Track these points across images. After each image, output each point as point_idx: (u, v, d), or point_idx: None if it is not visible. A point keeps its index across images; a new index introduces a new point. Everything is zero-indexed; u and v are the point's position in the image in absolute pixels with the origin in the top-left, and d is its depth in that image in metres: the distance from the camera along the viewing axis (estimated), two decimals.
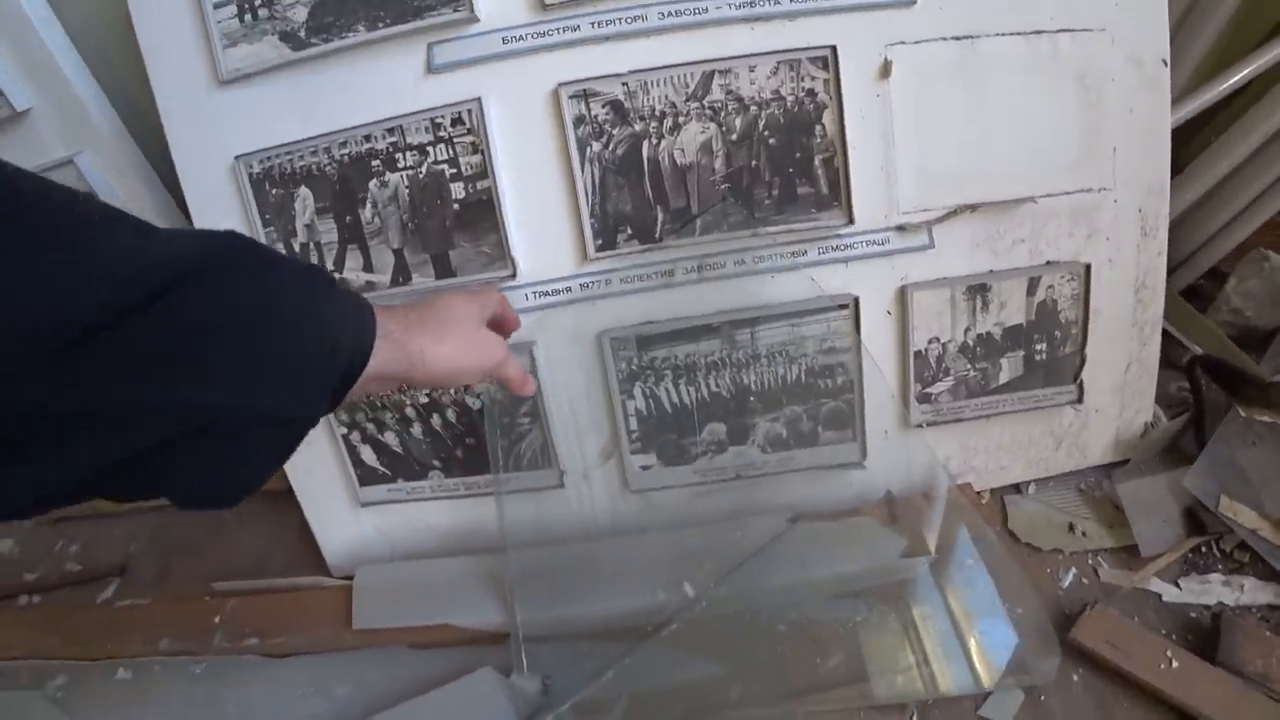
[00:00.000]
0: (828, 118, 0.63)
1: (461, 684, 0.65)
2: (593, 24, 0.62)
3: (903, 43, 0.64)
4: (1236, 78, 0.80)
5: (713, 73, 0.62)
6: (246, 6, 0.64)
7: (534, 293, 0.66)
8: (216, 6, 0.64)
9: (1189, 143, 0.92)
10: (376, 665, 0.72)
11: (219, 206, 0.68)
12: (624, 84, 0.62)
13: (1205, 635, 0.70)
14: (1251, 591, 0.73)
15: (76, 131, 0.77)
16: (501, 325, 0.56)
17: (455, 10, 0.61)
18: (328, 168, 0.65)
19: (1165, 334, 0.83)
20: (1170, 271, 0.91)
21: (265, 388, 0.34)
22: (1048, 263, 0.71)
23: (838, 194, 0.65)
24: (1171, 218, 0.84)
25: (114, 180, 0.80)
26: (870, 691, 0.64)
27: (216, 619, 0.77)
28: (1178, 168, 0.87)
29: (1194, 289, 0.91)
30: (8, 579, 0.92)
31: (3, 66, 0.74)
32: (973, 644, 0.65)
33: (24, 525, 0.97)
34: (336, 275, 0.67)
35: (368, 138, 0.64)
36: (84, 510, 0.94)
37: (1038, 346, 0.72)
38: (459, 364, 0.47)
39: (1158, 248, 0.73)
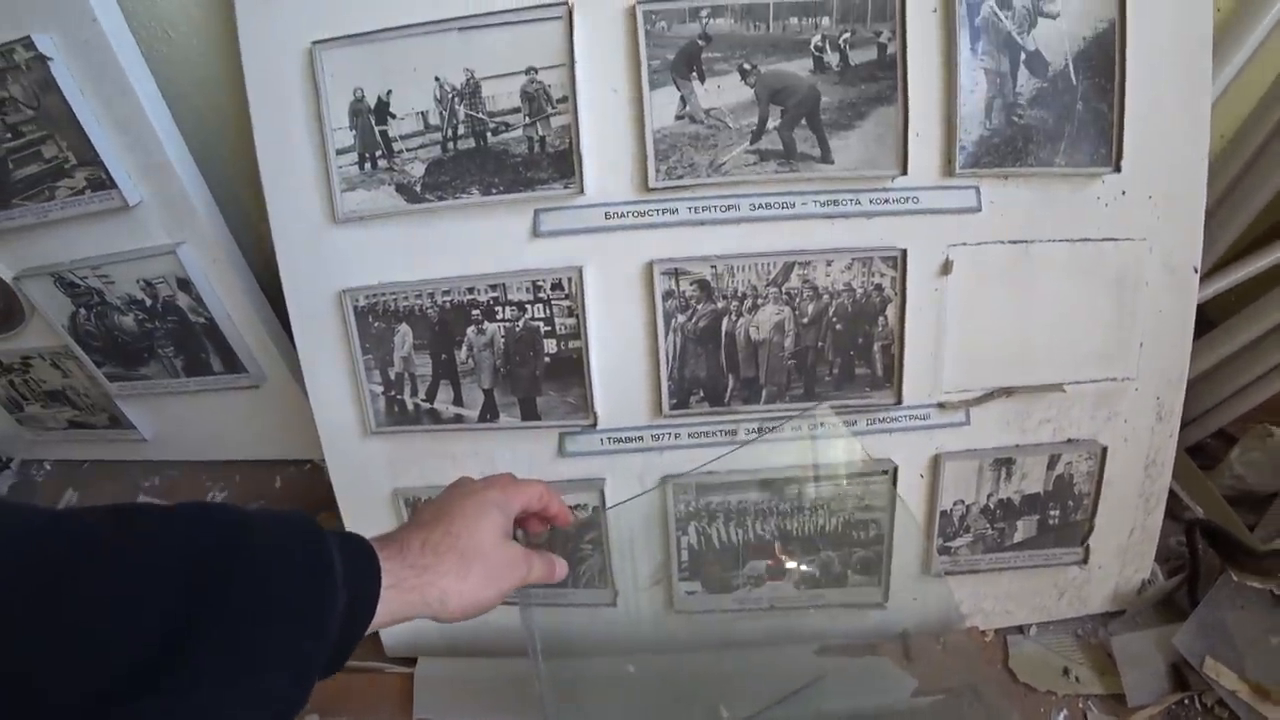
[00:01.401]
0: (891, 310, 0.71)
1: None
2: (690, 209, 0.68)
3: (965, 244, 0.71)
4: (1261, 263, 0.88)
5: (794, 263, 0.69)
6: (367, 157, 0.70)
7: (609, 438, 0.74)
8: (339, 153, 0.70)
9: (1217, 299, 1.00)
10: None
11: (323, 329, 0.74)
12: (713, 266, 0.69)
13: None
14: None
15: (181, 226, 0.83)
16: (545, 518, 0.56)
17: (565, 186, 0.68)
18: (429, 310, 0.72)
19: (1170, 492, 0.91)
20: (1182, 427, 0.99)
21: (240, 692, 0.33)
22: (1069, 440, 0.79)
23: (890, 377, 0.72)
24: (1189, 376, 0.92)
25: (211, 275, 0.86)
26: None
27: None
28: (1204, 327, 0.95)
29: (1200, 446, 0.99)
30: None
31: (119, 163, 0.80)
32: None
33: None
34: (426, 403, 0.74)
35: (470, 289, 0.71)
36: None
37: (1052, 513, 0.80)
38: (483, 600, 0.46)
39: (1169, 430, 0.81)
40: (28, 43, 0.74)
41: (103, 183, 0.80)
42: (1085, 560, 0.83)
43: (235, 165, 0.83)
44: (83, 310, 0.92)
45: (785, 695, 0.72)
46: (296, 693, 0.36)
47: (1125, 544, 0.85)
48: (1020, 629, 0.88)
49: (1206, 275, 0.91)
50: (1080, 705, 0.85)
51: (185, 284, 0.87)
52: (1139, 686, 0.84)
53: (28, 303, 0.93)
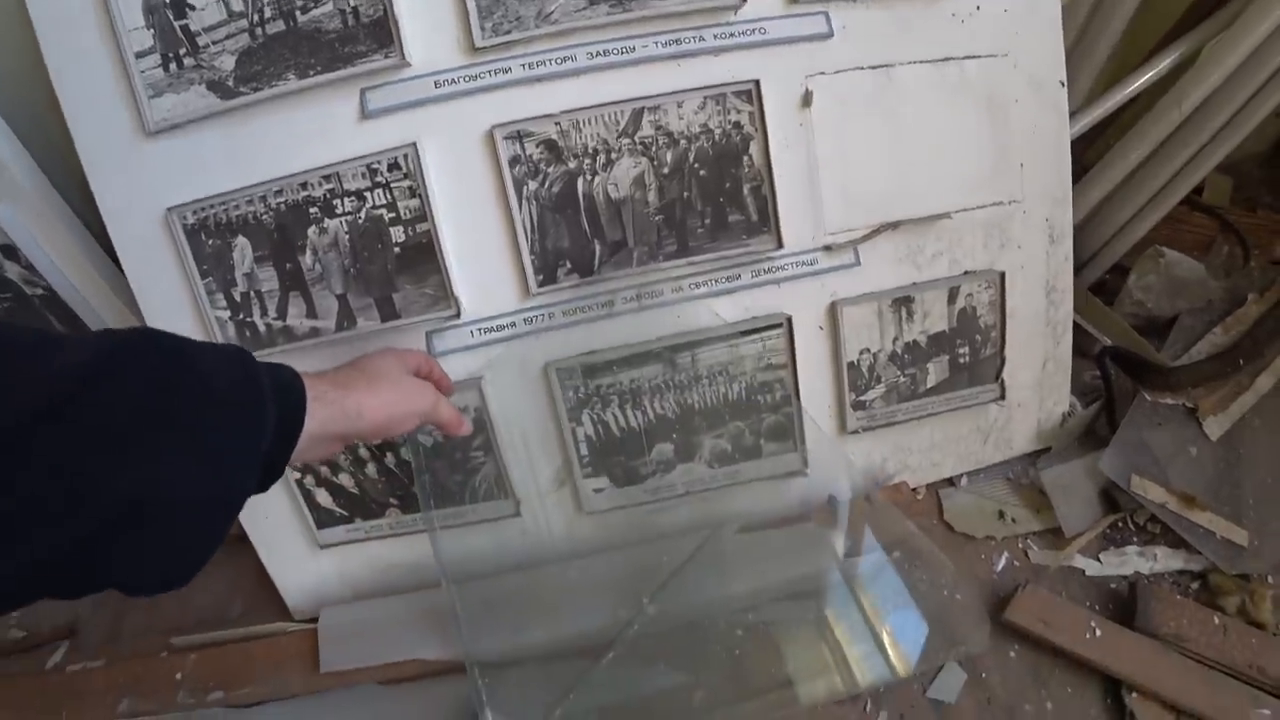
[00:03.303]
0: (754, 148, 0.68)
1: None
2: (523, 66, 0.64)
3: (822, 73, 0.69)
4: (1127, 91, 0.88)
5: (642, 109, 0.66)
6: (171, 56, 0.64)
7: (479, 329, 0.69)
8: (139, 56, 0.64)
9: (1091, 148, 1.00)
10: (348, 705, 0.74)
11: (153, 258, 0.68)
12: (557, 123, 0.65)
13: (1124, 604, 0.78)
14: (1164, 559, 0.82)
15: None
16: (430, 382, 0.60)
17: (386, 56, 0.63)
18: (265, 216, 0.66)
19: (1077, 328, 0.91)
20: (1079, 270, 0.99)
21: (183, 472, 0.35)
22: (966, 272, 0.77)
23: (767, 220, 0.69)
24: (1076, 220, 0.92)
25: (38, 232, 0.79)
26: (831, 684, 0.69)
27: (178, 675, 0.77)
28: (1081, 173, 0.95)
29: (1101, 284, 0.99)
30: None
31: None
32: (885, 636, 0.70)
33: None
34: (278, 321, 0.68)
35: (304, 185, 0.65)
36: None
37: (961, 350, 0.78)
38: (395, 411, 0.52)
39: (1064, 253, 0.81)
40: None
41: None
42: (1003, 396, 0.81)
43: (39, 98, 0.76)
44: None
45: (699, 566, 0.68)
46: (235, 481, 0.38)
47: (1040, 377, 0.84)
48: (951, 481, 0.87)
49: (1076, 111, 0.91)
50: (1020, 545, 0.83)
51: (10, 250, 0.79)
52: (1073, 516, 0.83)
53: None
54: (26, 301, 0.83)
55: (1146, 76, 0.89)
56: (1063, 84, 0.76)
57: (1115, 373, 0.88)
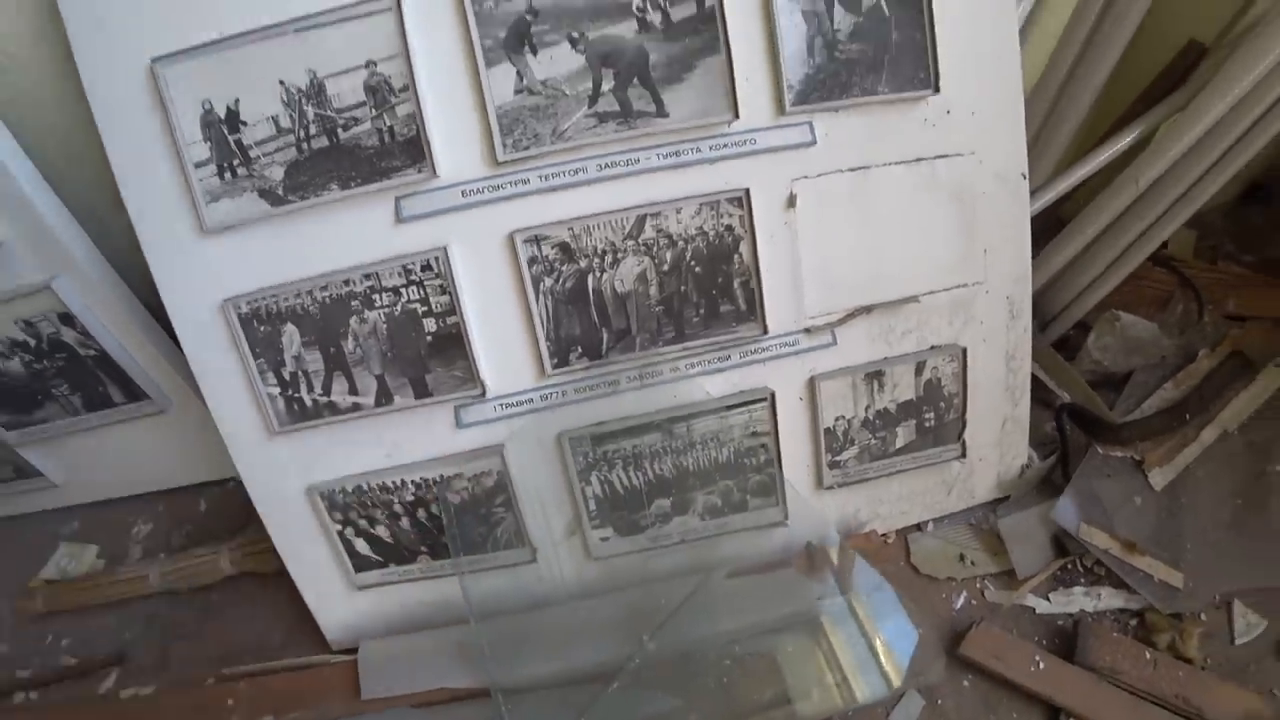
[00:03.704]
0: (744, 247, 0.80)
1: None
2: (540, 177, 0.76)
3: (805, 177, 0.81)
4: (1087, 169, 1.01)
5: (645, 215, 0.78)
6: (226, 166, 0.75)
7: (501, 405, 0.82)
8: (197, 166, 0.75)
9: (1069, 202, 1.13)
10: None
11: (210, 341, 0.80)
12: (569, 228, 0.77)
13: (1068, 639, 0.93)
14: (1107, 599, 0.96)
15: (51, 260, 0.87)
16: None
17: (419, 170, 0.74)
18: (311, 307, 0.78)
19: (1039, 382, 1.04)
20: (1043, 328, 1.13)
21: None
22: (932, 347, 0.90)
23: (754, 309, 0.82)
24: (1040, 284, 1.05)
25: (92, 302, 0.90)
26: (796, 711, 0.83)
27: (230, 701, 0.90)
28: (1058, 225, 1.07)
29: (1065, 339, 1.13)
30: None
31: None
32: (880, 651, 0.85)
33: (6, 621, 1.06)
34: (323, 397, 0.80)
35: (346, 281, 0.77)
36: (74, 603, 1.04)
37: (927, 416, 0.92)
38: None
39: (1024, 325, 0.94)
40: None
41: None
42: (964, 454, 0.95)
43: (100, 190, 0.87)
44: None
45: (690, 607, 0.82)
46: None
47: (1000, 435, 0.97)
48: (919, 526, 1.01)
49: (1046, 182, 1.03)
50: (978, 585, 0.97)
51: (67, 318, 0.91)
52: (1026, 560, 0.97)
53: None
54: (80, 362, 0.95)
55: (1105, 155, 1.01)
56: (1024, 176, 0.88)
57: (1070, 428, 1.02)
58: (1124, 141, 1.01)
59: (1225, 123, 0.94)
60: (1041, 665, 0.90)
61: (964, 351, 0.90)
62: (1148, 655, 0.90)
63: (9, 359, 0.95)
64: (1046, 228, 1.10)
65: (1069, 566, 0.99)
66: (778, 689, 0.86)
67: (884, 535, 0.98)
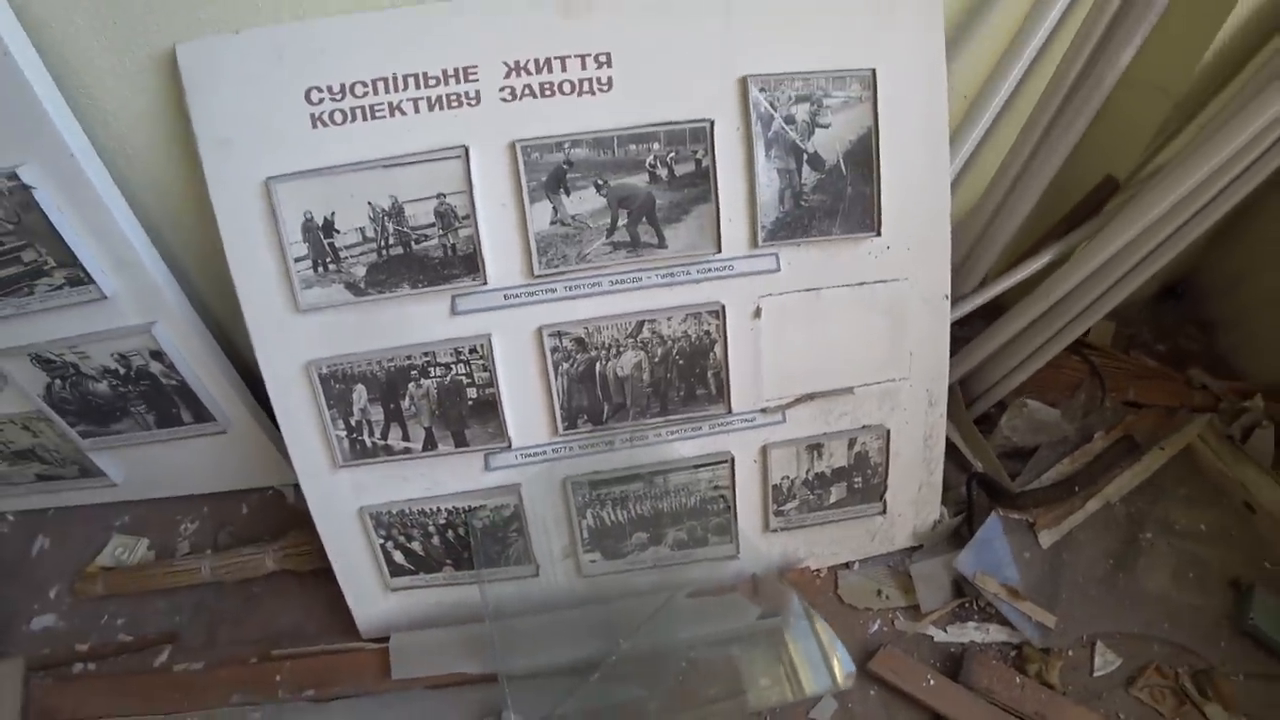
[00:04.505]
0: (717, 348, 1.22)
1: None
2: (565, 287, 1.16)
3: (770, 295, 1.22)
4: (1013, 280, 1.43)
5: (643, 320, 1.19)
6: (319, 262, 1.14)
7: (520, 455, 1.24)
8: (297, 260, 1.13)
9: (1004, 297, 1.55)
10: (402, 703, 1.29)
11: (294, 395, 1.20)
12: (585, 327, 1.18)
13: (956, 663, 1.38)
14: (994, 633, 1.42)
15: (153, 309, 1.25)
16: None
17: (473, 278, 1.14)
18: (378, 373, 1.18)
19: (957, 449, 1.48)
20: (970, 404, 1.56)
21: None
22: (863, 426, 1.33)
23: (722, 394, 1.24)
24: (967, 370, 1.49)
25: (180, 343, 1.28)
26: (746, 702, 1.27)
27: (277, 677, 1.32)
28: (1001, 309, 1.50)
29: (986, 415, 1.56)
30: (59, 650, 1.41)
31: (94, 262, 1.20)
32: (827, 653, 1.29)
33: (65, 600, 1.45)
34: (381, 441, 1.20)
35: (408, 356, 1.17)
36: (132, 588, 1.43)
37: (856, 480, 1.35)
38: None
39: (940, 412, 1.37)
40: (11, 174, 1.13)
41: (80, 279, 1.21)
42: (885, 511, 1.39)
43: (198, 255, 1.25)
44: (58, 380, 1.33)
45: (659, 620, 1.25)
46: None
47: (916, 496, 1.41)
48: (847, 565, 1.45)
49: (974, 290, 1.46)
50: (890, 616, 1.42)
51: (158, 354, 1.30)
52: (929, 597, 1.42)
53: (2, 378, 1.32)
54: (161, 389, 1.34)
55: (1027, 271, 1.44)
56: (946, 298, 1.30)
57: (978, 493, 1.46)
58: (1043, 260, 1.44)
59: (1131, 247, 1.36)
60: (931, 682, 1.35)
61: (888, 431, 1.33)
62: (1018, 680, 1.36)
63: (98, 381, 1.33)
64: (987, 312, 1.53)
65: (966, 605, 1.44)
66: (724, 686, 1.29)
67: (817, 571, 1.42)
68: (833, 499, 1.37)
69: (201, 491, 1.51)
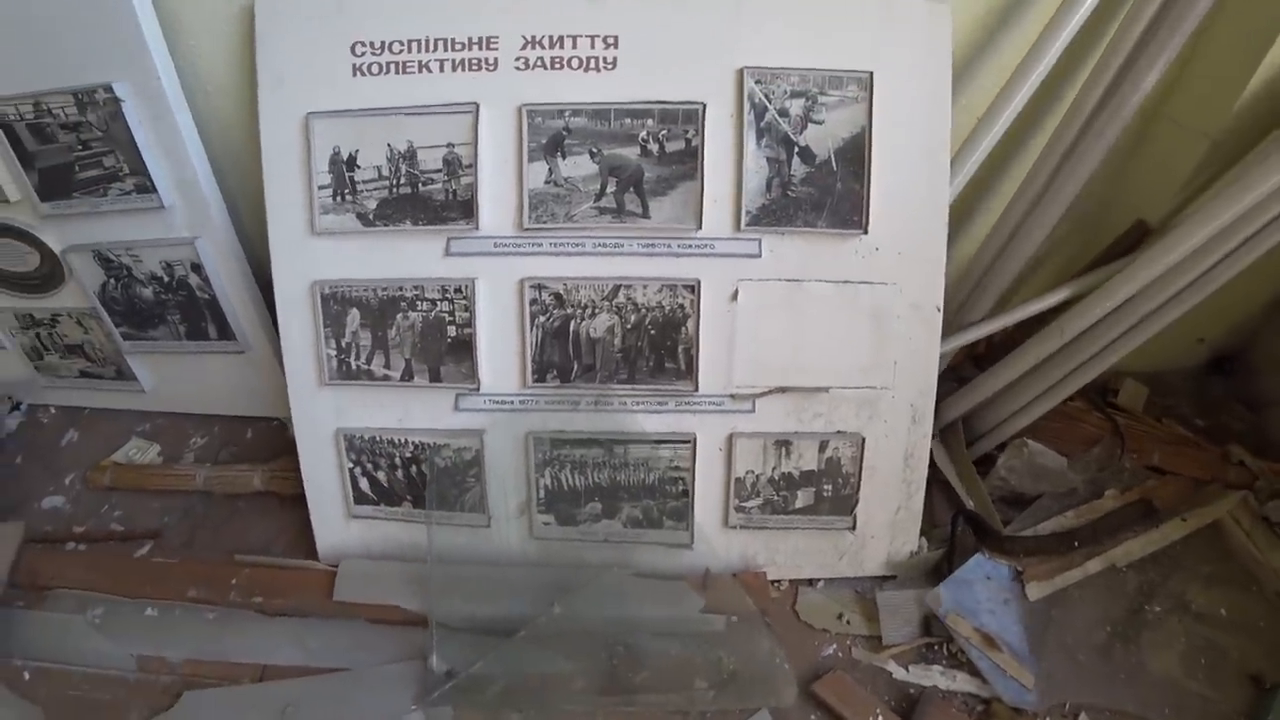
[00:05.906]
0: (690, 323, 1.30)
1: (385, 669, 1.31)
2: (550, 243, 1.29)
3: (749, 279, 1.29)
4: (1022, 313, 1.44)
5: (620, 285, 1.29)
6: (338, 192, 1.32)
7: (488, 400, 1.35)
8: (320, 188, 1.31)
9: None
10: (340, 631, 1.38)
11: (298, 309, 1.37)
12: (564, 284, 1.30)
13: (911, 704, 1.34)
14: (961, 682, 1.37)
15: (200, 224, 1.46)
16: None
17: (467, 222, 1.28)
18: (372, 300, 1.33)
19: (949, 486, 1.47)
20: (972, 443, 1.55)
21: None
22: (837, 431, 1.35)
23: (690, 371, 1.32)
24: (971, 406, 1.49)
25: (218, 260, 1.48)
26: (677, 700, 1.28)
27: (233, 580, 1.44)
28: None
29: (989, 457, 1.54)
30: (59, 528, 1.60)
31: (160, 176, 1.42)
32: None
33: (76, 487, 1.65)
34: (365, 366, 1.34)
35: (400, 287, 1.32)
36: (133, 484, 1.62)
37: (825, 487, 1.37)
38: None
39: (924, 431, 1.37)
40: (108, 87, 1.38)
41: (146, 188, 1.45)
42: (854, 528, 1.39)
43: (244, 186, 1.46)
44: (112, 280, 1.56)
45: (587, 585, 1.29)
46: None
47: (893, 519, 1.41)
48: (810, 582, 1.44)
49: (981, 319, 1.48)
50: (848, 642, 1.40)
51: (198, 267, 1.51)
52: (894, 631, 1.39)
53: (68, 270, 1.57)
54: (195, 300, 1.54)
55: (1037, 306, 1.44)
56: (938, 309, 1.33)
57: (963, 530, 1.44)
58: (1059, 296, 1.44)
59: (1150, 289, 1.35)
60: (880, 718, 1.31)
61: (863, 440, 1.35)
62: None
63: (145, 286, 1.55)
64: (1005, 343, 1.54)
65: (935, 646, 1.40)
66: (658, 679, 1.31)
67: (777, 582, 1.42)
68: (799, 503, 1.39)
69: (216, 412, 1.71)
